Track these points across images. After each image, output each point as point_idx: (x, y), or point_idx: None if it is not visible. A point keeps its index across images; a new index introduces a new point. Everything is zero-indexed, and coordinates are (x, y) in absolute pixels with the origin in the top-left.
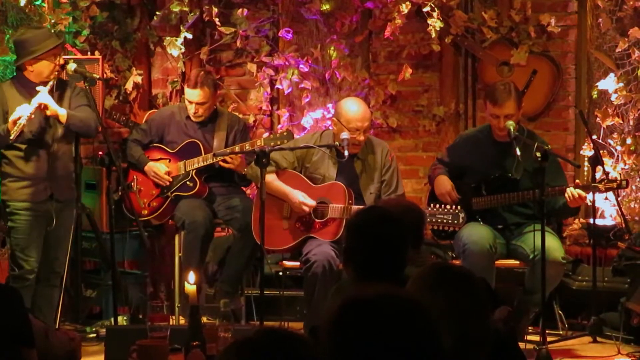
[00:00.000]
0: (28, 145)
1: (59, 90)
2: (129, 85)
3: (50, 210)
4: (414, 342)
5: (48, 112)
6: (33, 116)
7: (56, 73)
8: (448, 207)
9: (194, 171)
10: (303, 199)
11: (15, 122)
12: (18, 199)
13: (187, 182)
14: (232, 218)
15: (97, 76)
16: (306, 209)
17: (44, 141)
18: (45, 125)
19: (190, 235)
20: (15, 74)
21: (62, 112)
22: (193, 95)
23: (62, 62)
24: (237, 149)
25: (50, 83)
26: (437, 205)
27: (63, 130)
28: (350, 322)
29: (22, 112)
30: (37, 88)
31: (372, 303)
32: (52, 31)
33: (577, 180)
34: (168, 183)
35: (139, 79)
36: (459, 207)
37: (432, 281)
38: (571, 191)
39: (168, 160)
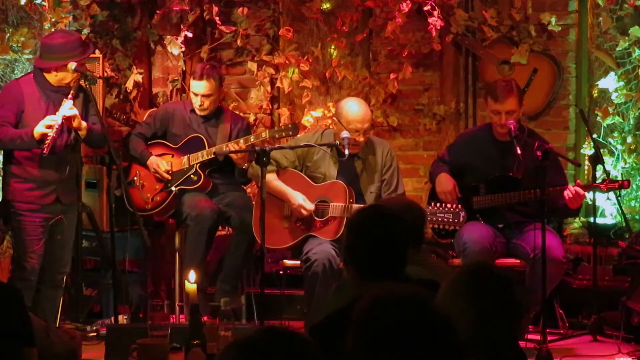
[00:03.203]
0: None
1: (76, 99)
2: (129, 84)
3: (56, 211)
4: (434, 349)
5: (74, 125)
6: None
7: (76, 80)
8: (449, 205)
9: (198, 165)
10: (302, 201)
11: (45, 134)
12: (24, 200)
13: (192, 176)
14: (229, 216)
15: (98, 75)
16: (304, 212)
17: (56, 146)
18: (60, 132)
19: (196, 228)
20: (33, 70)
21: (85, 125)
22: (199, 87)
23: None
24: (241, 141)
25: (72, 92)
26: (438, 204)
27: (78, 139)
28: (379, 318)
29: (54, 122)
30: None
31: (402, 303)
32: (83, 38)
33: (578, 180)
34: (166, 180)
35: (139, 78)
36: (459, 206)
37: (469, 286)
38: (571, 190)
39: (171, 155)
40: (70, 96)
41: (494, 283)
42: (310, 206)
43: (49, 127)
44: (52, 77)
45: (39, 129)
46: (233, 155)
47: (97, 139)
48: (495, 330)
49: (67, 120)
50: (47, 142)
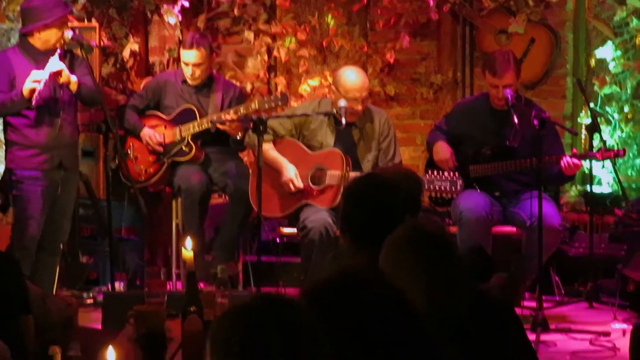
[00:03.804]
0: (37, 113)
1: (65, 59)
2: (125, 53)
3: (57, 179)
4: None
5: (61, 79)
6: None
7: (62, 41)
8: (446, 174)
9: (190, 136)
10: (293, 177)
11: (33, 90)
12: (26, 167)
13: (183, 147)
14: (225, 184)
15: (94, 43)
16: (292, 188)
17: (52, 109)
18: (53, 94)
19: (187, 200)
20: (18, 40)
21: (74, 79)
22: (189, 56)
23: (68, 29)
24: (231, 112)
25: (59, 51)
26: (435, 173)
27: (71, 98)
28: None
29: (41, 76)
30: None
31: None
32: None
33: (574, 149)
34: (158, 153)
35: (135, 47)
36: (456, 174)
37: (405, 240)
38: (567, 160)
39: (164, 127)
40: (56, 54)
41: (429, 244)
42: (299, 184)
43: (36, 81)
44: (37, 41)
45: (27, 86)
46: (225, 128)
47: (89, 94)
48: (447, 295)
49: (55, 75)
50: (35, 95)
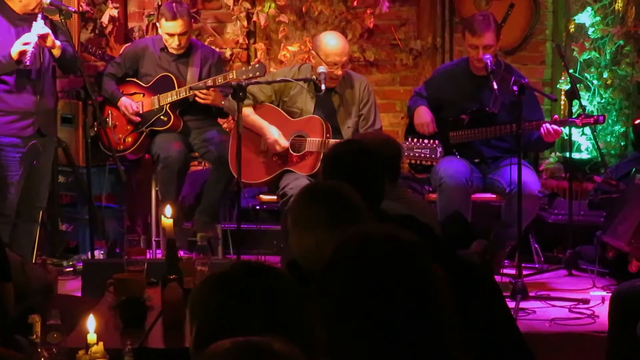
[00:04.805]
0: (16, 79)
1: (46, 24)
2: (104, 19)
3: (36, 145)
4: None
5: (47, 43)
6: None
7: (40, 5)
8: (426, 141)
9: (168, 105)
10: (278, 137)
11: (23, 52)
12: (5, 133)
13: (161, 117)
14: (207, 151)
15: (73, 9)
16: (279, 148)
17: (33, 75)
18: (34, 59)
19: (165, 170)
20: None
21: (59, 44)
22: (174, 27)
23: None
24: (210, 82)
25: (40, 15)
26: (415, 140)
27: (49, 64)
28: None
29: (30, 39)
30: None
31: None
32: None
33: (555, 116)
34: (135, 123)
35: (114, 12)
36: (436, 142)
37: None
38: (547, 126)
39: (142, 95)
40: (40, 18)
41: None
42: (284, 142)
43: (27, 43)
44: (16, 5)
45: (17, 48)
46: (207, 101)
47: (70, 60)
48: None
49: (42, 38)
50: (27, 56)
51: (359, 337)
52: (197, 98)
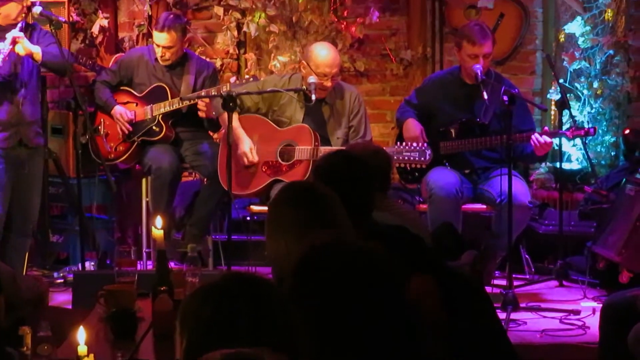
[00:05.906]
0: None
1: (27, 32)
2: (95, 29)
3: (20, 156)
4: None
5: (22, 52)
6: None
7: (23, 15)
8: (414, 144)
9: (161, 116)
10: (247, 150)
11: None
12: None
13: (154, 127)
14: (200, 164)
15: (63, 19)
16: (246, 161)
17: (13, 85)
18: (13, 69)
19: (157, 181)
20: None
21: (37, 50)
22: (160, 38)
23: (29, 3)
24: (203, 93)
25: (19, 24)
26: (403, 144)
27: (32, 74)
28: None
29: (3, 47)
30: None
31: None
32: None
33: (545, 127)
34: (127, 132)
35: (105, 23)
36: (425, 144)
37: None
38: (537, 137)
39: (135, 104)
40: (18, 27)
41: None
42: (253, 158)
43: None
44: None
45: None
46: (202, 114)
47: (56, 62)
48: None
49: (12, 42)
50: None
51: (331, 345)
52: (199, 112)
